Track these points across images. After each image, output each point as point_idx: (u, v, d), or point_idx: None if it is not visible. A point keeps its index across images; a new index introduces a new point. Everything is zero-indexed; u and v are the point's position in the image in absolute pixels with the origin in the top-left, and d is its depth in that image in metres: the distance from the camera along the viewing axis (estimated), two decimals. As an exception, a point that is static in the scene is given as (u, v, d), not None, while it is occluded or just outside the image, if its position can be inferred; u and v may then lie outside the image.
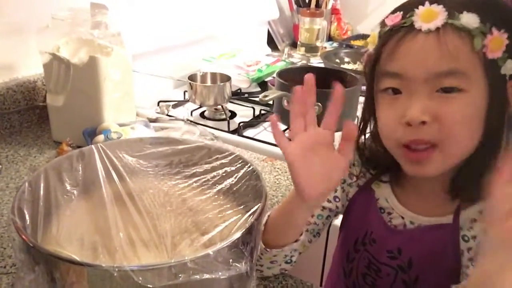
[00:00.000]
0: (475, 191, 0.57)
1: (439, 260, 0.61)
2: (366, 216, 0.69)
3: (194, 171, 0.60)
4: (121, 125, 1.06)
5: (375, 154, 0.67)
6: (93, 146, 0.61)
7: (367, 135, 0.68)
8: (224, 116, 1.34)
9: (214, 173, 0.59)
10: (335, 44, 2.12)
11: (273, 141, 1.17)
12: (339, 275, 0.75)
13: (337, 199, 0.74)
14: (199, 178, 0.58)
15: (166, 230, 0.50)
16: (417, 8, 0.55)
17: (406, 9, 0.57)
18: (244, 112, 1.38)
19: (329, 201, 0.73)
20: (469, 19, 0.54)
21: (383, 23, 0.59)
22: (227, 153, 0.62)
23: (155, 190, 0.56)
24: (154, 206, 0.53)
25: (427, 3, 0.55)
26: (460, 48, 0.53)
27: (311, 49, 1.99)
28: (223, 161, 0.61)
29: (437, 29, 0.54)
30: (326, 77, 1.34)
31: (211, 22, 1.65)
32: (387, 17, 0.59)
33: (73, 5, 1.07)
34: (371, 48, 0.61)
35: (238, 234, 0.47)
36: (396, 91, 0.58)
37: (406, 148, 0.58)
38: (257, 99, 1.37)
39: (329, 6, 2.08)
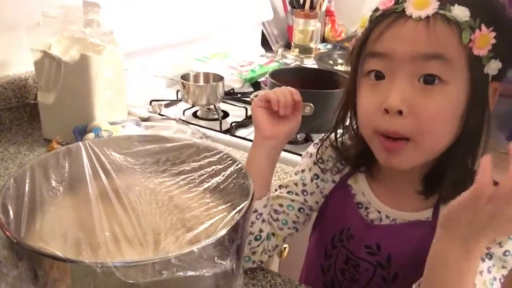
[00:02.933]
0: (453, 188, 0.57)
1: (418, 257, 0.61)
2: (343, 212, 0.70)
3: (182, 169, 0.59)
4: (112, 123, 1.06)
5: (350, 147, 0.69)
6: (80, 143, 0.60)
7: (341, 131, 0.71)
8: (216, 116, 1.34)
9: (202, 171, 0.59)
10: (329, 46, 2.12)
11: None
12: (317, 272, 0.76)
13: (305, 193, 0.75)
14: (186, 176, 0.58)
15: (151, 227, 0.49)
16: None
17: None
18: (236, 112, 1.38)
19: (297, 194, 0.75)
20: (460, 12, 0.54)
21: (376, 9, 0.60)
22: (215, 152, 0.62)
23: (141, 188, 0.56)
24: (139, 203, 0.53)
25: None
26: (448, 38, 0.54)
27: (305, 50, 2.00)
28: (211, 159, 0.61)
29: (427, 17, 0.54)
30: (319, 78, 1.36)
31: (205, 22, 1.65)
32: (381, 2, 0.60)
33: (65, 3, 1.07)
34: (360, 31, 0.62)
35: (223, 232, 0.46)
36: (379, 76, 0.58)
37: (382, 136, 0.58)
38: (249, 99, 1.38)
39: (323, 8, 2.09)
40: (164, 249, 0.47)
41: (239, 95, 1.51)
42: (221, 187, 0.56)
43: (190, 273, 0.43)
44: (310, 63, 1.91)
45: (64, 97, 1.07)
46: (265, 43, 2.09)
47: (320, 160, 0.74)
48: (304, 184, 0.75)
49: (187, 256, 0.43)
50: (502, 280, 0.60)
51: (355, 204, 0.69)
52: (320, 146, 0.75)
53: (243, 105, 1.41)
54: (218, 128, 1.25)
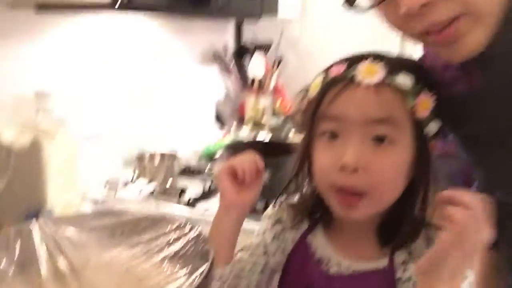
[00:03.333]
0: (404, 235, 0.63)
1: None
2: (305, 269, 0.71)
3: (138, 240, 0.58)
4: (65, 207, 1.03)
5: (307, 204, 0.71)
6: (32, 222, 0.59)
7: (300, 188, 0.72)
8: (174, 193, 1.34)
9: (159, 241, 0.58)
10: (280, 120, 2.21)
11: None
12: None
13: (267, 254, 0.75)
14: (143, 246, 0.57)
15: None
16: (360, 62, 0.61)
17: (350, 62, 0.63)
18: (195, 189, 1.38)
19: (258, 255, 0.75)
20: (404, 79, 0.60)
21: (326, 72, 0.65)
22: (172, 221, 0.61)
23: (97, 262, 0.54)
24: (96, 277, 0.51)
25: (370, 59, 0.61)
26: (395, 103, 0.60)
27: (258, 125, 2.07)
28: (168, 229, 0.60)
29: (376, 84, 0.60)
30: (274, 149, 1.40)
31: (160, 99, 1.69)
32: (331, 66, 0.65)
33: (16, 91, 1.08)
34: (312, 94, 0.66)
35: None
36: (333, 136, 0.62)
37: (339, 191, 0.62)
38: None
39: (271, 86, 2.21)
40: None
41: (196, 172, 1.53)
42: (180, 253, 0.55)
43: None
44: (263, 136, 1.98)
45: (14, 184, 1.04)
46: (219, 121, 2.15)
47: (278, 220, 0.75)
48: (265, 246, 0.75)
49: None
50: None
51: (316, 260, 0.70)
52: (278, 206, 0.76)
53: (201, 180, 1.42)
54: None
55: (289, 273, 0.73)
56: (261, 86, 2.18)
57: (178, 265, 0.53)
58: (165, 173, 1.35)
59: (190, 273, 0.49)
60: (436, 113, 0.62)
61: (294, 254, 0.73)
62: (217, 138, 1.71)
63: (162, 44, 1.72)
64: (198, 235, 0.58)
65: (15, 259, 0.55)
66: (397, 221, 0.64)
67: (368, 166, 0.59)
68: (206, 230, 1.08)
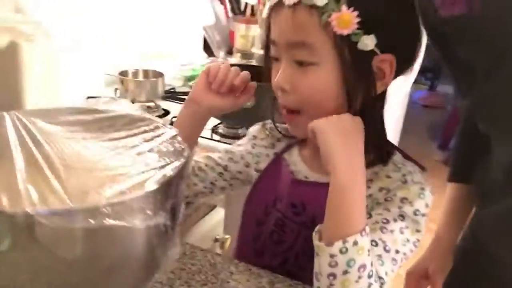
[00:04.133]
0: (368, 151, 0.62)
1: None
2: (277, 182, 0.74)
3: (114, 136, 0.58)
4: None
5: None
6: (5, 112, 0.57)
7: None
8: (157, 114, 1.32)
9: (135, 138, 0.58)
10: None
11: (207, 135, 1.18)
12: (249, 242, 0.78)
13: (231, 160, 0.80)
14: (118, 141, 0.57)
15: (79, 186, 0.47)
16: None
17: None
18: (178, 111, 1.36)
19: (222, 159, 0.80)
20: None
21: None
22: (150, 121, 0.61)
23: (69, 152, 0.53)
24: (66, 166, 0.51)
25: None
26: (309, 23, 0.59)
27: (246, 55, 2.03)
28: (145, 128, 0.60)
29: (294, 4, 0.60)
30: (261, 76, 1.38)
31: (146, 20, 1.63)
32: None
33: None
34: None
35: (155, 185, 0.46)
36: (276, 59, 0.66)
37: (283, 110, 0.67)
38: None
39: (264, 14, 2.14)
40: (92, 202, 0.45)
41: (180, 95, 1.51)
42: (156, 150, 0.55)
43: (120, 223, 0.42)
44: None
45: (-9, 89, 1.01)
46: (208, 49, 2.10)
47: (255, 137, 0.79)
48: (233, 152, 0.80)
49: (118, 206, 0.42)
50: (416, 245, 0.63)
51: (288, 171, 0.73)
52: (258, 126, 0.80)
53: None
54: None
55: (260, 187, 0.77)
56: (253, 14, 2.12)
57: (153, 159, 0.53)
58: (149, 93, 1.32)
59: (164, 166, 0.49)
60: (369, 27, 0.59)
61: (268, 170, 0.76)
62: (204, 62, 1.68)
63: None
64: (175, 135, 0.58)
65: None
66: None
67: (294, 87, 0.63)
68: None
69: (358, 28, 0.58)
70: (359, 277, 0.54)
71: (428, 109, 4.63)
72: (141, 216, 0.44)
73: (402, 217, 0.62)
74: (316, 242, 0.57)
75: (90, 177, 0.50)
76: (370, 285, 0.55)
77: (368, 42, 0.59)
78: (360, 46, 0.59)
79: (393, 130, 2.41)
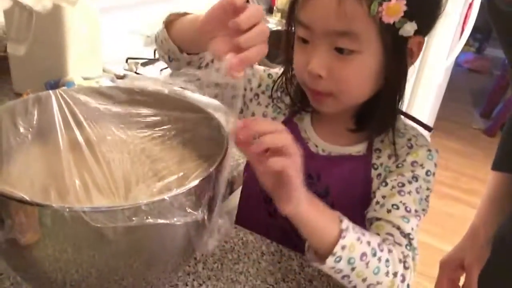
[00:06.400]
0: (379, 125, 0.68)
1: (352, 188, 0.71)
2: None
3: (156, 121, 0.58)
4: (85, 78, 1.03)
5: (298, 89, 0.74)
6: (51, 91, 0.58)
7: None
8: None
9: (177, 125, 0.58)
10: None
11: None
12: (259, 201, 0.79)
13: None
14: (160, 128, 0.57)
15: (122, 176, 0.48)
16: None
17: None
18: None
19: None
20: None
21: None
22: (193, 107, 0.60)
23: (113, 138, 0.54)
24: (110, 153, 0.52)
25: None
26: (356, 12, 0.58)
27: (287, 16, 1.96)
28: (187, 114, 0.60)
29: None
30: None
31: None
32: None
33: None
34: None
35: (195, 182, 0.46)
36: (304, 41, 0.64)
37: (309, 89, 0.67)
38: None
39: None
40: (135, 197, 0.46)
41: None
42: (196, 140, 0.56)
43: (160, 221, 0.43)
44: (292, 28, 1.89)
45: (35, 49, 1.03)
46: (247, 7, 2.05)
47: (261, 84, 0.79)
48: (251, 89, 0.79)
49: (158, 204, 0.43)
50: (429, 200, 0.69)
51: (301, 138, 0.75)
52: (274, 85, 0.78)
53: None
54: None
55: None
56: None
57: (192, 151, 0.53)
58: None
59: (203, 162, 0.50)
60: (411, 14, 0.58)
61: None
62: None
63: None
64: (217, 126, 0.58)
65: (34, 124, 0.56)
66: (373, 112, 0.68)
67: (331, 74, 0.62)
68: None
69: (402, 16, 0.59)
70: (367, 263, 0.57)
71: (473, 73, 4.43)
72: (181, 213, 0.44)
73: (416, 178, 0.67)
74: (313, 263, 0.60)
75: (133, 168, 0.50)
76: (380, 258, 0.58)
77: (409, 29, 0.60)
78: (402, 32, 0.60)
79: (435, 96, 2.33)
